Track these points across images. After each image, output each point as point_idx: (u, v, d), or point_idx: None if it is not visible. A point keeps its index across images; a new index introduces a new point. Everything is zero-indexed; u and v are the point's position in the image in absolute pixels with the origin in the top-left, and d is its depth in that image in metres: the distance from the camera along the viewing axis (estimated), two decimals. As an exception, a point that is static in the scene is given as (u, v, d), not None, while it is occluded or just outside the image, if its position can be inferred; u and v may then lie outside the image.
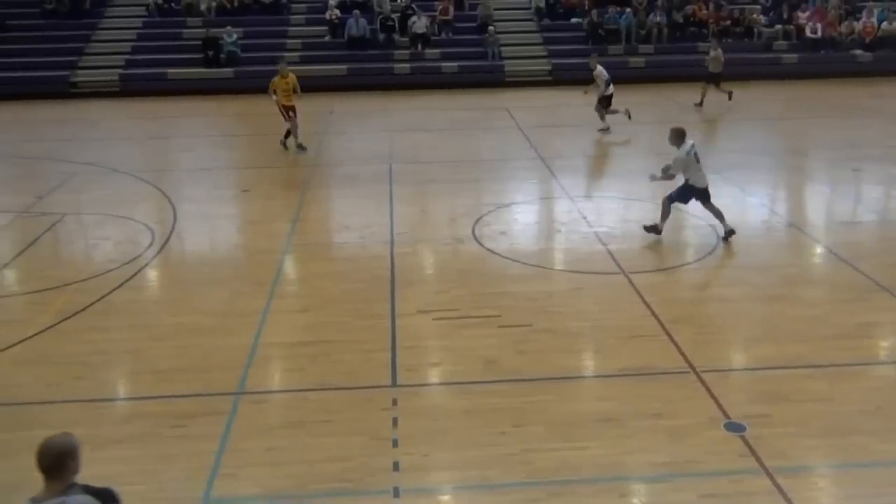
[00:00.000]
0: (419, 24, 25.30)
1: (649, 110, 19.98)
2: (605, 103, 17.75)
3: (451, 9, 26.42)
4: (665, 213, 10.91)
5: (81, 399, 7.40)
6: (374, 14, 25.96)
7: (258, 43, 25.00)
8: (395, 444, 6.60)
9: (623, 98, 18.14)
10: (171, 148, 17.34)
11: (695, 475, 6.12)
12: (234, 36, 24.60)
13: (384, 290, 9.59)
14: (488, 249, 10.89)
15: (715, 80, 20.15)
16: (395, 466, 6.31)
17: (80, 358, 8.15)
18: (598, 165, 14.83)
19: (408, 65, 24.72)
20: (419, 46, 25.10)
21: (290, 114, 16.33)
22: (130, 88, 23.40)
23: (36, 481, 6.24)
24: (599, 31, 25.71)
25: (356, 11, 25.36)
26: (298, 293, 9.91)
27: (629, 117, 17.88)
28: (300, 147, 16.46)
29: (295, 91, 16.38)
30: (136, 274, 10.32)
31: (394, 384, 7.55)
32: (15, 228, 12.23)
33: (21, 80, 23.38)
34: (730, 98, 20.41)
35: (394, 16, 25.83)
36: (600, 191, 12.40)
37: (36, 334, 8.67)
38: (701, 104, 20.24)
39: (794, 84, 23.96)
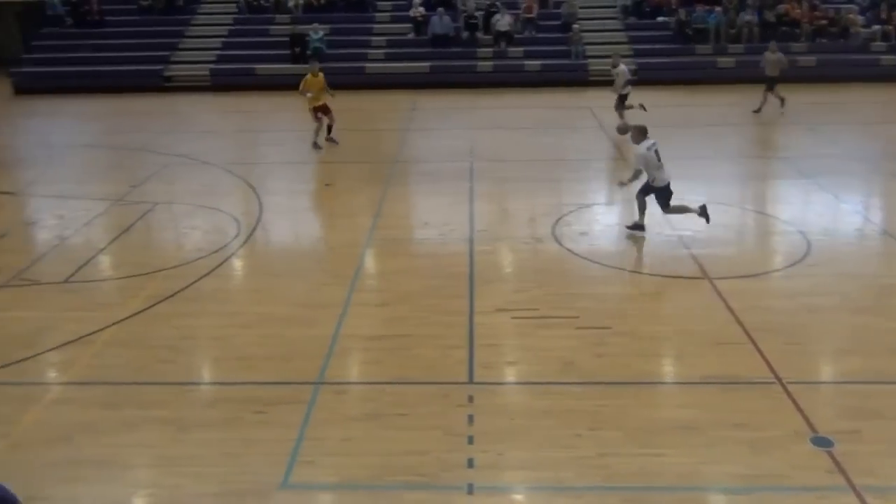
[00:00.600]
0: (503, 21, 25.26)
1: (737, 112, 19.48)
2: (621, 101, 17.79)
3: (536, 6, 26.28)
4: (641, 207, 11.03)
5: (169, 382, 7.66)
6: (458, 12, 26.03)
7: (343, 40, 25.38)
8: (470, 440, 6.62)
9: (712, 99, 17.73)
10: (258, 141, 17.76)
11: (778, 489, 5.95)
12: (321, 33, 25.01)
13: (463, 287, 9.62)
14: (568, 250, 10.81)
15: (771, 84, 19.12)
16: (470, 463, 6.33)
17: (169, 342, 8.44)
18: (682, 168, 14.53)
19: (491, 63, 24.71)
20: (502, 44, 25.06)
21: (320, 114, 16.53)
22: (220, 83, 24.05)
23: (126, 458, 6.52)
24: (687, 30, 25.19)
25: (440, 9, 25.47)
26: (378, 287, 10.03)
27: (644, 109, 17.52)
28: (315, 146, 16.65)
29: (325, 90, 16.60)
30: (222, 263, 10.62)
31: (470, 381, 7.57)
32: (110, 216, 12.72)
33: (118, 74, 24.30)
34: (782, 105, 19.26)
35: (478, 14, 25.85)
36: (684, 193, 12.06)
37: (128, 318, 9.02)
38: (759, 110, 19.26)
39: (892, 86, 22.98)
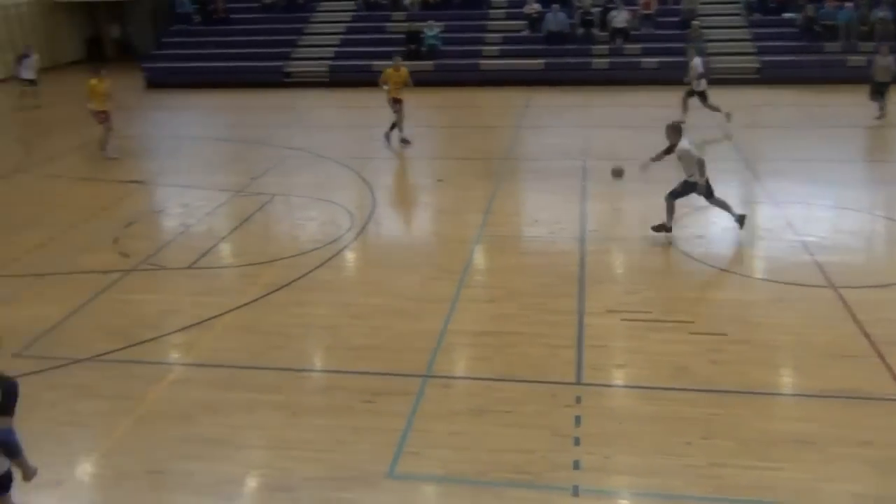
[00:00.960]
0: (620, 18, 24.82)
1: (866, 113, 18.47)
2: (701, 98, 17.47)
3: (654, 2, 25.69)
4: (670, 209, 10.85)
5: (282, 367, 7.91)
6: (574, 8, 25.73)
7: (458, 37, 25.51)
8: (576, 442, 6.55)
9: (840, 99, 16.88)
10: (373, 136, 18.05)
11: (904, 511, 5.63)
12: (436, 29, 25.23)
13: (572, 287, 9.52)
14: (684, 252, 10.53)
15: (880, 89, 17.84)
16: (576, 465, 6.26)
17: (283, 329, 8.71)
18: (807, 171, 13.91)
19: (606, 60, 24.32)
20: (618, 41, 24.63)
21: (398, 106, 16.62)
22: (338, 79, 24.61)
23: (241, 438, 6.75)
24: (815, 26, 24.07)
25: (555, 6, 25.24)
26: (487, 283, 10.04)
27: (728, 120, 17.25)
28: (404, 141, 16.74)
29: (406, 84, 16.65)
30: (336, 255, 10.88)
31: (578, 382, 7.48)
32: (232, 206, 13.23)
33: (242, 70, 25.23)
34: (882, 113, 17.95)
35: (594, 10, 25.49)
36: (809, 197, 11.63)
37: (246, 304, 9.36)
38: (881, 117, 18.05)
39: None
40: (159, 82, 25.44)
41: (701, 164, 10.57)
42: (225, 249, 11.44)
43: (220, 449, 6.66)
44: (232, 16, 27.95)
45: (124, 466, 6.47)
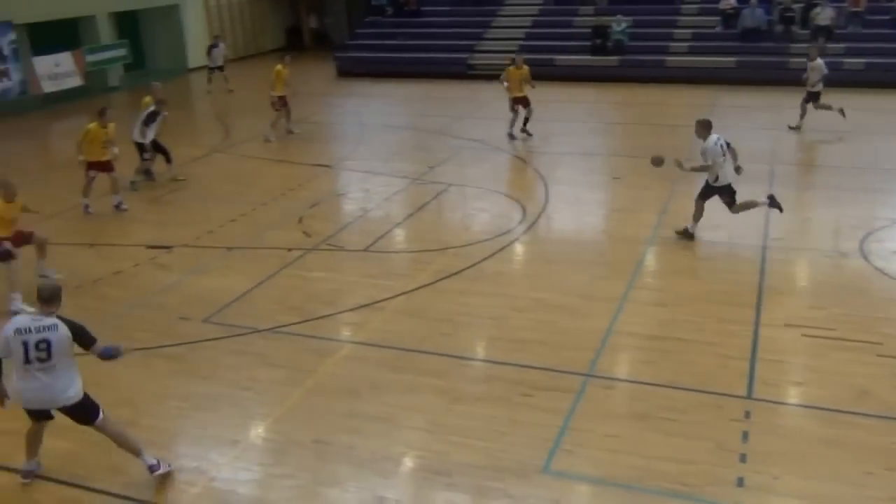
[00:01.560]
0: (824, 15, 23.22)
1: None
2: (813, 98, 16.74)
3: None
4: (698, 214, 10.78)
5: (446, 353, 8.06)
6: (773, 4, 24.35)
7: (646, 32, 24.85)
8: (742, 458, 6.24)
9: None
10: (551, 130, 17.96)
11: None
12: (623, 24, 24.70)
13: (750, 297, 9.06)
14: (877, 268, 9.75)
15: None
16: (740, 482, 5.97)
17: (450, 316, 8.87)
18: None
19: (805, 59, 22.83)
20: (821, 40, 23.06)
21: (518, 106, 16.68)
22: (520, 72, 24.66)
23: (402, 419, 6.94)
24: None
25: (753, 1, 24.01)
26: (658, 286, 9.75)
27: (843, 115, 16.14)
28: (510, 136, 16.87)
29: (527, 82, 16.64)
30: (505, 247, 10.94)
31: (748, 396, 7.12)
32: (408, 193, 13.61)
33: (428, 61, 25.84)
34: None
35: (795, 6, 24.01)
36: None
37: (416, 289, 9.61)
38: None
39: None
40: (349, 71, 26.53)
41: (706, 166, 10.44)
42: (399, 235, 11.79)
43: (382, 426, 6.89)
44: (422, 8, 28.69)
45: (293, 434, 6.84)
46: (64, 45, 22.94)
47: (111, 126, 12.51)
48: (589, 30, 25.08)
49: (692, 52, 23.89)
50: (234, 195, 13.58)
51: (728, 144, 10.52)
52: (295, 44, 33.56)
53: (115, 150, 12.54)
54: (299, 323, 8.84)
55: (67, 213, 12.79)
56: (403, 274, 10.21)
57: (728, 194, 10.63)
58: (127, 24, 26.85)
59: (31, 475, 6.40)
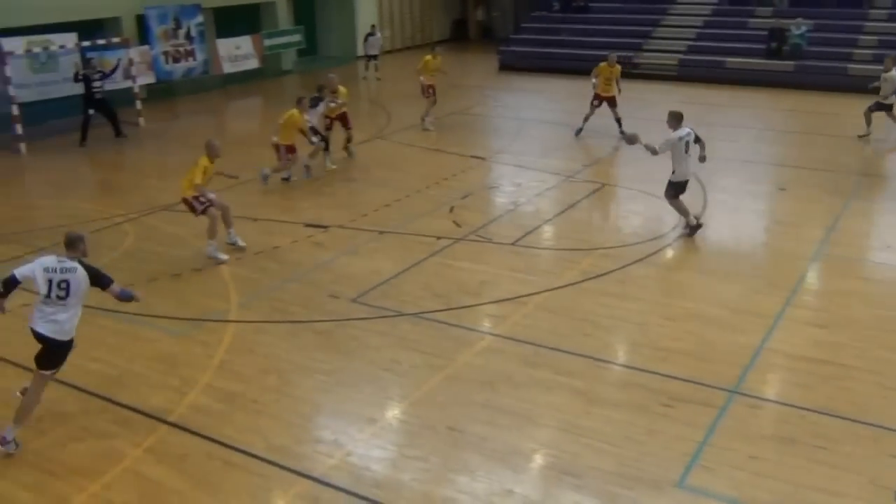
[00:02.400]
0: None
1: None
2: (887, 109, 16.22)
3: None
4: (682, 210, 11.05)
5: (585, 355, 7.95)
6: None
7: (827, 37, 23.43)
8: (898, 498, 5.81)
9: None
10: (714, 135, 17.28)
11: None
12: (804, 28, 23.39)
13: (922, 326, 8.39)
14: None
15: None
16: (894, 523, 5.56)
17: (593, 318, 8.74)
18: None
19: None
20: None
21: (601, 103, 16.71)
22: (687, 74, 23.88)
23: (536, 415, 6.91)
24: None
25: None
26: (818, 306, 9.20)
27: None
28: (578, 131, 17.06)
29: (617, 82, 16.79)
30: (656, 252, 10.65)
31: (911, 432, 6.61)
32: (561, 190, 13.50)
33: (593, 59, 25.10)
34: None
35: None
36: None
37: (560, 287, 9.53)
38: None
39: None
40: (511, 65, 26.57)
41: (659, 151, 10.78)
42: (548, 231, 11.72)
43: (516, 421, 6.89)
44: (591, 4, 28.30)
45: (428, 418, 6.95)
46: (245, 29, 24.30)
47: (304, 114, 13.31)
48: (765, 32, 23.94)
49: (875, 60, 22.30)
50: (391, 181, 13.93)
51: (697, 139, 10.95)
52: (460, 36, 34.01)
53: (315, 139, 13.69)
54: (443, 310, 8.97)
55: (235, 188, 13.53)
56: (549, 271, 10.14)
57: (678, 189, 11.00)
58: (304, 10, 28.06)
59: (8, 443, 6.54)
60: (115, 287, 6.78)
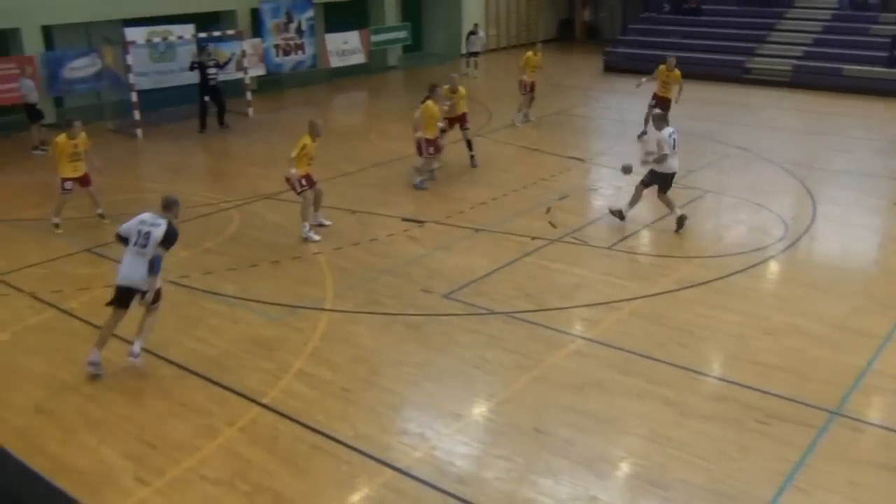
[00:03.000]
0: None
1: None
2: None
3: None
4: (635, 199, 11.62)
5: (679, 365, 7.76)
6: None
7: (959, 45, 22.15)
8: None
9: None
10: (827, 145, 16.61)
11: None
12: (931, 36, 22.18)
13: None
14: None
15: None
16: None
17: (688, 327, 8.52)
18: None
19: None
20: None
21: (659, 104, 16.13)
22: (801, 80, 22.97)
23: (625, 423, 6.80)
24: None
25: None
26: (933, 329, 8.71)
27: None
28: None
29: (679, 87, 16.63)
30: (759, 263, 10.30)
31: None
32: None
33: (701, 62, 24.73)
34: None
35: None
36: None
37: (655, 294, 9.34)
38: None
39: None
40: (615, 66, 26.14)
41: (663, 156, 11.28)
42: (646, 237, 11.50)
43: (603, 427, 6.79)
44: (704, 6, 27.57)
45: (514, 418, 6.94)
46: (353, 25, 24.75)
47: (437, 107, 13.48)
48: (887, 39, 22.78)
49: None
50: (488, 179, 13.95)
51: (676, 141, 11.43)
52: (566, 36, 33.70)
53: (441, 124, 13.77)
54: (534, 311, 8.93)
55: (336, 180, 13.83)
56: (645, 277, 9.95)
57: (666, 182, 11.49)
58: (411, 7, 28.36)
59: (95, 365, 7.59)
60: (162, 253, 7.61)
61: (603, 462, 6.35)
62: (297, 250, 10.77)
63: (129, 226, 7.66)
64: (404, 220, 11.88)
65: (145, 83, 18.72)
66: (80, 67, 18.59)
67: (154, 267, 7.55)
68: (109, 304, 7.68)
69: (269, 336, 8.47)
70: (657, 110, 11.94)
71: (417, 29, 28.63)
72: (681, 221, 11.33)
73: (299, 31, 22.75)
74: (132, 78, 17.30)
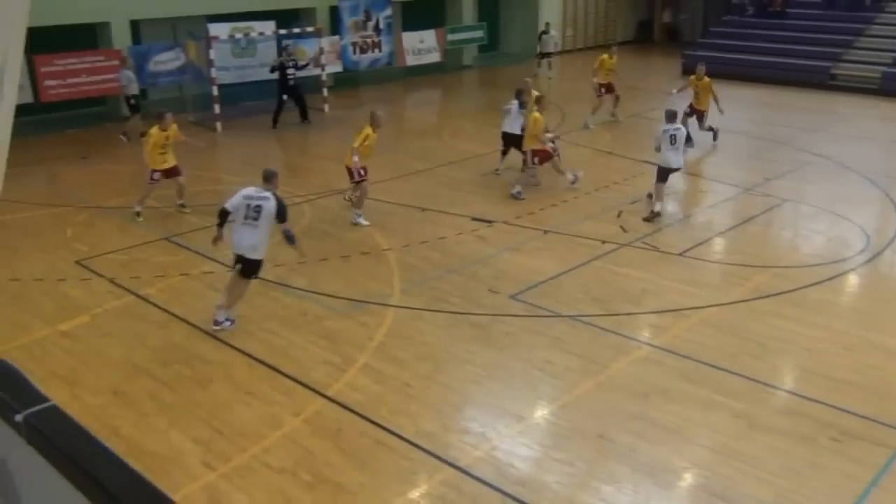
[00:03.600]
0: None
1: None
2: None
3: None
4: (658, 194, 11.95)
5: (750, 377, 7.56)
6: None
7: None
8: None
9: None
10: (916, 156, 15.99)
11: None
12: None
13: None
14: None
15: None
16: None
17: (761, 339, 8.30)
18: None
19: None
20: None
21: (697, 113, 16.18)
22: (890, 88, 22.13)
23: (691, 433, 6.67)
24: None
25: None
26: None
27: None
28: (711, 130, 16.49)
29: (713, 96, 16.24)
30: (838, 275, 9.97)
31: None
32: (737, 203, 12.90)
33: (784, 67, 24.13)
34: None
35: None
36: None
37: (728, 304, 9.13)
38: None
39: None
40: (695, 70, 25.59)
41: (663, 150, 11.89)
42: (719, 244, 11.24)
43: (668, 436, 6.67)
44: (789, 10, 26.81)
45: (577, 422, 6.87)
46: (430, 23, 24.87)
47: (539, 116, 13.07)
48: None
49: None
50: (559, 181, 13.83)
51: (674, 137, 11.89)
52: (644, 38, 33.21)
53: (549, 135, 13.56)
54: (601, 316, 8.82)
55: (408, 178, 13.92)
56: (716, 285, 9.73)
57: (661, 175, 11.92)
58: (488, 6, 28.36)
59: (219, 324, 8.35)
60: (288, 226, 8.34)
61: (666, 472, 6.24)
62: (366, 245, 10.89)
63: (236, 202, 8.23)
64: (474, 219, 11.88)
65: (226, 78, 19.18)
66: (165, 61, 19.16)
67: (291, 239, 8.45)
68: (234, 268, 8.49)
69: (335, 329, 8.58)
70: (669, 108, 12.36)
71: (494, 29, 28.60)
72: (652, 216, 11.78)
73: (377, 28, 22.97)
74: (214, 72, 17.74)
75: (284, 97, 18.06)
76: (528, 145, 13.05)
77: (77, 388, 7.43)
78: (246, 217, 8.14)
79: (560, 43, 25.71)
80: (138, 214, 11.95)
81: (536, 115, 12.89)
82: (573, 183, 13.30)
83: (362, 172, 11.40)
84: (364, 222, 11.62)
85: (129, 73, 16.94)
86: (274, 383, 7.50)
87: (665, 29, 33.76)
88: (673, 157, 11.94)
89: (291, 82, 18.07)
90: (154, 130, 11.77)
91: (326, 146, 16.87)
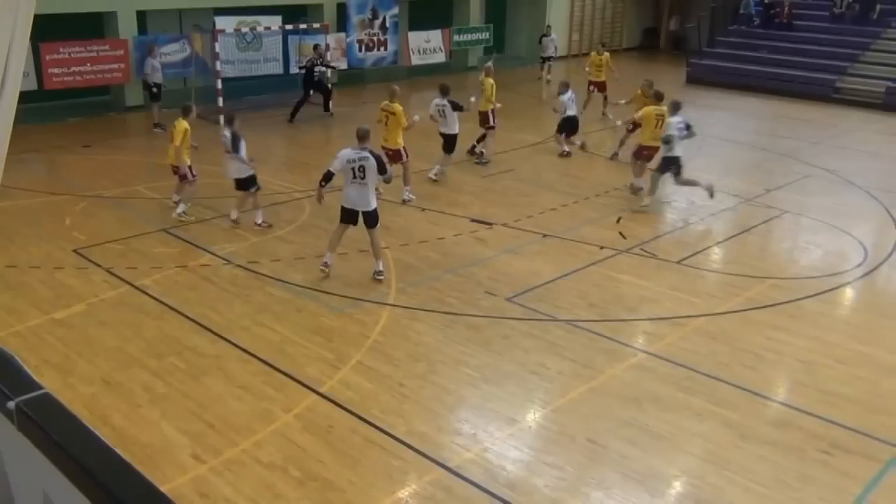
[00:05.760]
0: None
1: None
2: None
3: None
4: (652, 184, 12.76)
5: (743, 387, 7.58)
6: None
7: None
8: None
9: None
10: (917, 172, 15.98)
11: None
12: None
13: None
14: None
15: None
16: None
17: (755, 349, 8.31)
18: None
19: None
20: None
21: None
22: (895, 103, 22.16)
23: (682, 442, 6.67)
24: None
25: None
26: None
27: None
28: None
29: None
30: (834, 288, 9.98)
31: None
32: (736, 213, 12.91)
33: (789, 78, 24.13)
34: None
35: None
36: None
37: (723, 313, 9.14)
38: None
39: None
40: (699, 79, 25.66)
41: (673, 139, 12.30)
42: (717, 254, 11.25)
43: (660, 444, 6.68)
44: (796, 22, 26.80)
45: (568, 427, 6.88)
46: (436, 23, 24.87)
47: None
48: None
49: None
50: (561, 185, 13.86)
51: (689, 126, 12.61)
52: (650, 45, 33.22)
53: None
54: (597, 321, 8.83)
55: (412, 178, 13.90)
56: (713, 294, 9.74)
57: (666, 166, 12.53)
58: (495, 8, 28.36)
59: (326, 266, 9.60)
60: (388, 176, 9.74)
61: (656, 479, 6.24)
62: (363, 243, 10.87)
63: (341, 166, 9.22)
64: (473, 220, 11.89)
65: (231, 71, 19.18)
66: (170, 53, 19.13)
67: (388, 180, 10.03)
68: (341, 221, 9.54)
69: (330, 326, 8.59)
70: (675, 100, 13.17)
71: (500, 31, 28.62)
72: (635, 191, 12.99)
73: (383, 27, 22.98)
74: (219, 66, 17.75)
75: (311, 92, 18.33)
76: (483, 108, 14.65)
77: (70, 376, 7.44)
78: (354, 177, 9.18)
79: (559, 46, 25.61)
80: (184, 213, 11.58)
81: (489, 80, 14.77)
82: (582, 147, 15.09)
83: (406, 151, 12.65)
84: (412, 197, 12.66)
85: (155, 62, 17.14)
86: (267, 378, 7.51)
87: (671, 37, 33.76)
88: (679, 148, 12.49)
89: (316, 78, 18.42)
90: (185, 125, 11.29)
91: (329, 142, 16.86)
